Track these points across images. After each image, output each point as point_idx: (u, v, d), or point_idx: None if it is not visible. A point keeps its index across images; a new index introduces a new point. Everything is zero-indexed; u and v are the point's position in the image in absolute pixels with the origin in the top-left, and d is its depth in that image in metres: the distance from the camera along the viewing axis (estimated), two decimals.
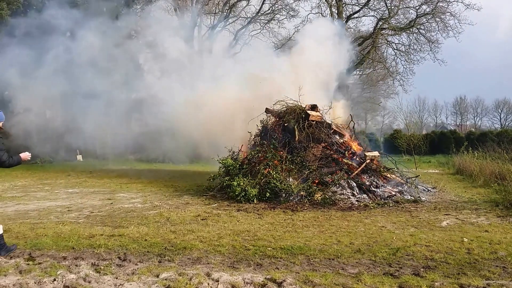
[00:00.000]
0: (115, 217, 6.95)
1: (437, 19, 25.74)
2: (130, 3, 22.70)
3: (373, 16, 27.96)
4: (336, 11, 26.70)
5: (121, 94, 15.25)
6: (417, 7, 26.02)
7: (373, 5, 27.29)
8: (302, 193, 8.35)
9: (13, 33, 15.84)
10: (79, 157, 24.39)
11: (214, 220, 6.64)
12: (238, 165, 9.31)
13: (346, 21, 27.21)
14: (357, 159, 9.91)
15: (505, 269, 4.14)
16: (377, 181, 9.39)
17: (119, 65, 15.26)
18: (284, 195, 8.35)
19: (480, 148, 15.87)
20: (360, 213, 7.33)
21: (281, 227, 6.11)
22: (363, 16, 28.37)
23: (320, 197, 8.15)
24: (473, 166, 13.40)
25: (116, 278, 3.83)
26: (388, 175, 9.96)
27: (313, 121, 10.04)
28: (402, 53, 28.02)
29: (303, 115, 10.10)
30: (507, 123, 53.75)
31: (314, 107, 10.47)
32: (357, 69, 29.79)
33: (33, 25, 15.69)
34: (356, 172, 9.20)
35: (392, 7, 26.50)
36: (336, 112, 11.78)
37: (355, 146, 10.53)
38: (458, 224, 6.33)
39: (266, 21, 29.08)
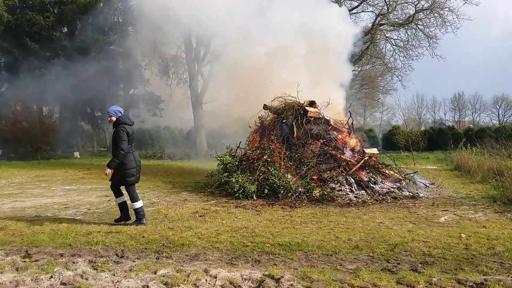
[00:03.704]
0: (113, 214, 6.93)
1: (436, 15, 25.72)
2: None
3: (371, 11, 27.94)
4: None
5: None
6: (416, 2, 25.99)
7: (372, 1, 27.24)
8: (300, 189, 8.35)
9: None
10: (76, 154, 24.35)
11: (212, 216, 6.63)
12: (236, 162, 9.30)
13: None
14: (356, 155, 9.91)
15: (502, 264, 4.14)
16: (376, 177, 9.39)
17: None
18: (282, 191, 8.34)
19: (478, 144, 15.91)
20: (358, 209, 7.33)
21: (279, 224, 6.10)
22: (362, 11, 28.34)
23: (318, 194, 8.15)
24: (471, 162, 13.42)
25: (114, 275, 3.81)
26: (387, 171, 9.96)
27: (311, 117, 10.03)
28: (400, 49, 28.02)
29: (302, 112, 10.07)
30: (505, 119, 53.95)
31: (312, 103, 10.45)
32: (356, 65, 29.76)
33: None
34: (354, 169, 9.19)
35: (391, 3, 26.44)
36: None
37: (353, 143, 10.52)
38: (456, 220, 6.34)
39: None
